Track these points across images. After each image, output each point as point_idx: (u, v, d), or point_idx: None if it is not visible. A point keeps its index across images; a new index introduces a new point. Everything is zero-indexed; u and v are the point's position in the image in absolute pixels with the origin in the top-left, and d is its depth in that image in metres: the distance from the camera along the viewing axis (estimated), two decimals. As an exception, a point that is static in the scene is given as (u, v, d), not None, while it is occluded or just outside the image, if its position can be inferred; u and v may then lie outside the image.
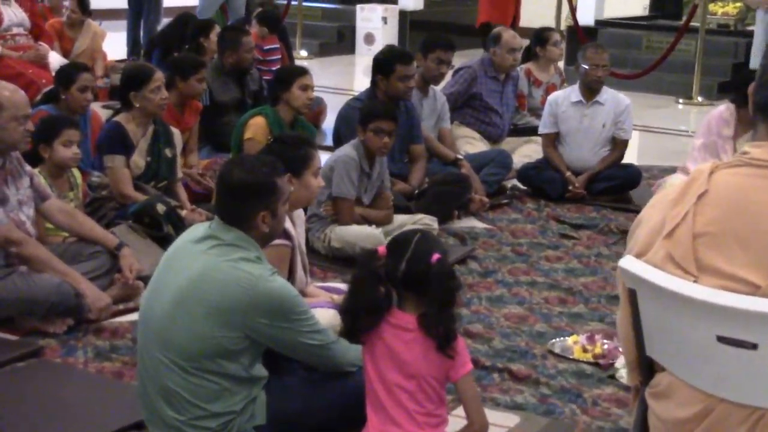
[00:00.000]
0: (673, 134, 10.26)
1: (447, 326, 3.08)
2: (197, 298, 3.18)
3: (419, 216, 5.99)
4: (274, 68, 8.40)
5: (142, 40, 11.82)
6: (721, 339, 2.31)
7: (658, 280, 2.38)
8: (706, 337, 2.34)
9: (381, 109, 5.68)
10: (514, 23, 11.79)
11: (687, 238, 2.38)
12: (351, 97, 6.85)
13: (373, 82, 6.46)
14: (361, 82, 13.67)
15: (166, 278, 3.30)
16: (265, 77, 8.12)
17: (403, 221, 5.88)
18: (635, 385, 2.67)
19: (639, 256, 2.48)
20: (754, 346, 2.27)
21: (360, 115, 5.70)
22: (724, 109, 6.18)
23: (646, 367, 2.58)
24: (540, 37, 8.49)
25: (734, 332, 2.29)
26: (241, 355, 3.21)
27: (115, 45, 11.33)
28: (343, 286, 4.52)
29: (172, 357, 3.19)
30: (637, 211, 6.58)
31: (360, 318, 3.13)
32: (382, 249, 3.17)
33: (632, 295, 2.52)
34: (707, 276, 2.34)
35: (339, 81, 12.69)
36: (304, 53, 13.97)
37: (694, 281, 2.35)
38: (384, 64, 6.40)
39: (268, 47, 9.08)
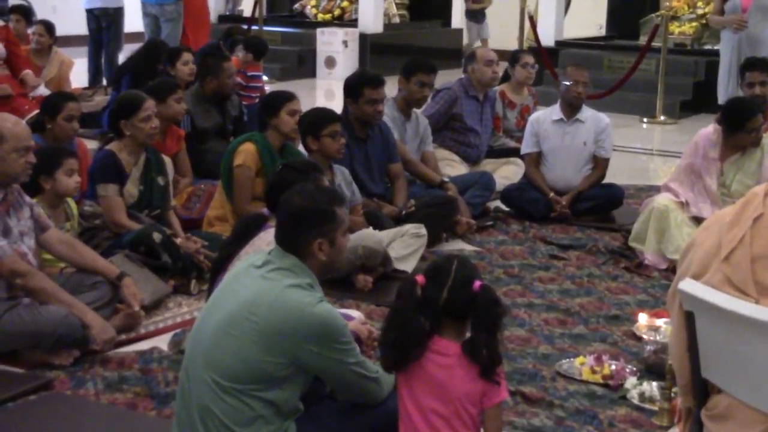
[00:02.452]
0: (639, 153, 10.40)
1: (492, 352, 3.09)
2: (246, 322, 3.19)
3: (406, 227, 6.03)
4: (255, 95, 8.41)
5: (103, 68, 11.77)
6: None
7: (720, 302, 2.41)
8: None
9: (327, 115, 5.82)
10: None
11: (745, 260, 2.41)
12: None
13: (345, 105, 6.48)
14: (325, 105, 13.67)
15: (221, 300, 3.33)
16: (245, 103, 8.11)
17: (393, 235, 5.93)
18: (687, 407, 2.70)
19: (694, 278, 2.51)
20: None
21: (308, 126, 5.77)
22: (711, 130, 6.25)
23: (700, 389, 2.60)
24: (512, 58, 8.59)
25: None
26: (284, 383, 3.21)
27: (75, 73, 11.25)
28: (355, 314, 4.51)
29: (215, 377, 3.20)
30: (620, 230, 6.70)
31: (407, 349, 3.13)
32: (420, 278, 3.17)
33: (689, 317, 2.54)
34: (767, 298, 2.37)
35: (303, 105, 12.64)
36: (265, 78, 13.91)
37: (755, 303, 2.38)
38: (352, 87, 6.43)
39: (251, 74, 9.10)
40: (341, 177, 5.92)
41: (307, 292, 3.24)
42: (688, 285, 2.50)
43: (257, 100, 8.55)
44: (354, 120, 6.40)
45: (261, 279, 3.26)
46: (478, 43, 15.39)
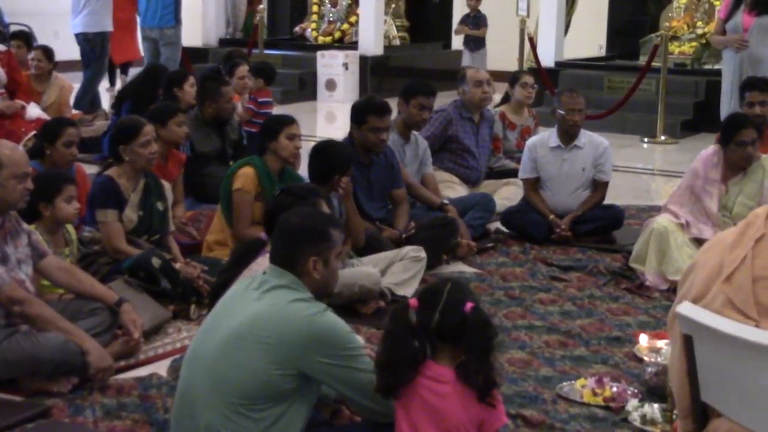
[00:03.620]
0: (640, 173, 10.39)
1: (487, 375, 3.07)
2: (255, 336, 3.24)
3: (405, 250, 6.01)
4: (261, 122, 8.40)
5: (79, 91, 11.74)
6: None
7: (719, 325, 2.39)
8: (769, 382, 2.35)
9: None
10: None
11: (747, 281, 2.40)
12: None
13: (351, 129, 6.49)
14: (324, 128, 13.73)
15: (221, 319, 3.38)
16: (253, 130, 8.14)
17: (392, 258, 5.93)
18: (687, 431, 2.67)
19: (696, 300, 2.49)
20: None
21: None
22: (711, 152, 6.23)
23: (700, 413, 2.58)
24: (512, 78, 8.59)
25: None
26: (292, 397, 3.25)
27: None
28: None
29: (221, 394, 3.22)
30: (621, 251, 6.67)
31: (398, 372, 3.12)
32: (414, 301, 3.17)
33: (688, 341, 2.52)
34: (768, 319, 2.36)
35: (304, 128, 12.67)
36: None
37: (756, 326, 2.36)
38: (358, 113, 6.43)
39: (262, 100, 9.09)
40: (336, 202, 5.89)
41: (311, 304, 3.31)
42: (686, 308, 2.49)
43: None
44: (358, 145, 6.39)
45: (263, 298, 3.32)
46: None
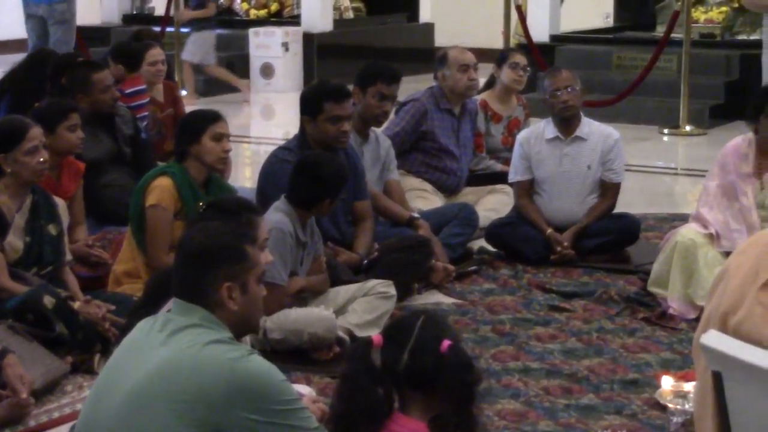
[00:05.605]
0: (659, 172, 10.50)
1: (468, 431, 3.12)
2: (160, 394, 3.22)
3: (371, 283, 6.04)
4: (140, 116, 8.35)
5: None
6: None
7: (756, 359, 2.42)
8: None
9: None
10: None
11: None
12: (272, 147, 6.89)
13: (302, 124, 6.52)
14: (260, 126, 13.76)
15: (116, 377, 3.35)
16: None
17: (354, 293, 5.97)
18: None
19: (728, 314, 2.52)
20: None
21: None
22: (740, 141, 6.32)
23: (734, 467, 2.63)
24: (499, 57, 8.63)
25: None
26: None
27: None
28: (305, 389, 4.53)
29: None
30: (637, 273, 6.74)
31: (358, 427, 3.15)
32: (378, 338, 3.21)
33: (716, 378, 2.57)
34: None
35: (233, 127, 12.67)
36: (184, 93, 13.96)
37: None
38: (310, 101, 6.47)
39: (131, 90, 8.93)
40: (311, 228, 5.94)
41: (232, 346, 3.30)
42: (712, 339, 2.52)
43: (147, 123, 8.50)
44: (312, 142, 6.42)
45: (169, 342, 3.30)
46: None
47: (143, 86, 8.93)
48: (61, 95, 7.56)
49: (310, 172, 5.81)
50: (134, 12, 17.05)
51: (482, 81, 8.60)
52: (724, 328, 2.57)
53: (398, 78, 7.19)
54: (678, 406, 4.78)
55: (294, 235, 5.72)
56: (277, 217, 5.68)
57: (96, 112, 7.42)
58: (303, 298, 5.87)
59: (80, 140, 6.67)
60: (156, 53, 9.09)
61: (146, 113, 8.66)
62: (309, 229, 5.89)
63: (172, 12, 14.53)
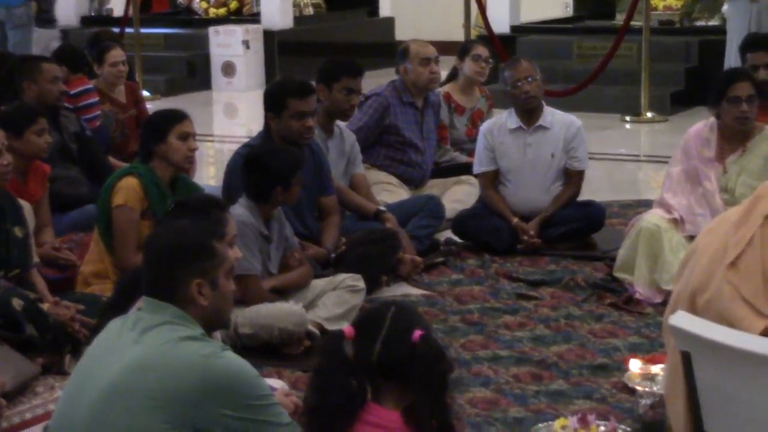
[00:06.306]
0: (622, 160, 10.55)
1: (441, 419, 3.14)
2: (134, 391, 3.24)
3: (340, 277, 6.08)
4: (91, 116, 8.33)
5: None
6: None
7: (723, 338, 2.43)
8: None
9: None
10: None
11: (755, 266, 2.43)
12: (235, 145, 6.88)
13: (266, 121, 6.53)
14: (223, 124, 13.75)
15: (88, 376, 3.36)
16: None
17: (323, 287, 5.99)
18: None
19: (696, 293, 2.52)
20: None
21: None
22: (702, 126, 6.38)
23: (705, 449, 2.65)
24: (461, 49, 8.67)
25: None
26: None
27: None
28: (276, 383, 4.54)
29: None
30: (603, 259, 6.79)
31: (332, 420, 3.17)
32: (349, 330, 3.23)
33: (686, 359, 2.58)
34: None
35: (196, 125, 12.66)
36: (146, 93, 13.92)
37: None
38: (274, 98, 6.48)
39: (76, 91, 8.87)
40: (278, 224, 5.97)
41: (205, 343, 3.32)
42: (681, 319, 2.53)
43: (99, 123, 8.48)
44: (277, 139, 6.42)
45: (141, 340, 3.32)
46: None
47: (90, 86, 8.91)
48: (18, 98, 7.54)
49: (255, 165, 5.85)
50: (92, 14, 16.96)
51: (444, 74, 8.63)
52: (692, 307, 2.58)
53: (362, 71, 7.21)
54: (646, 389, 4.81)
55: (256, 228, 5.74)
56: (238, 211, 5.69)
57: (41, 101, 7.39)
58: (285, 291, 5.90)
59: (47, 144, 6.66)
60: (117, 54, 9.08)
61: (98, 113, 8.64)
62: (276, 224, 5.90)
63: (131, 13, 14.49)
